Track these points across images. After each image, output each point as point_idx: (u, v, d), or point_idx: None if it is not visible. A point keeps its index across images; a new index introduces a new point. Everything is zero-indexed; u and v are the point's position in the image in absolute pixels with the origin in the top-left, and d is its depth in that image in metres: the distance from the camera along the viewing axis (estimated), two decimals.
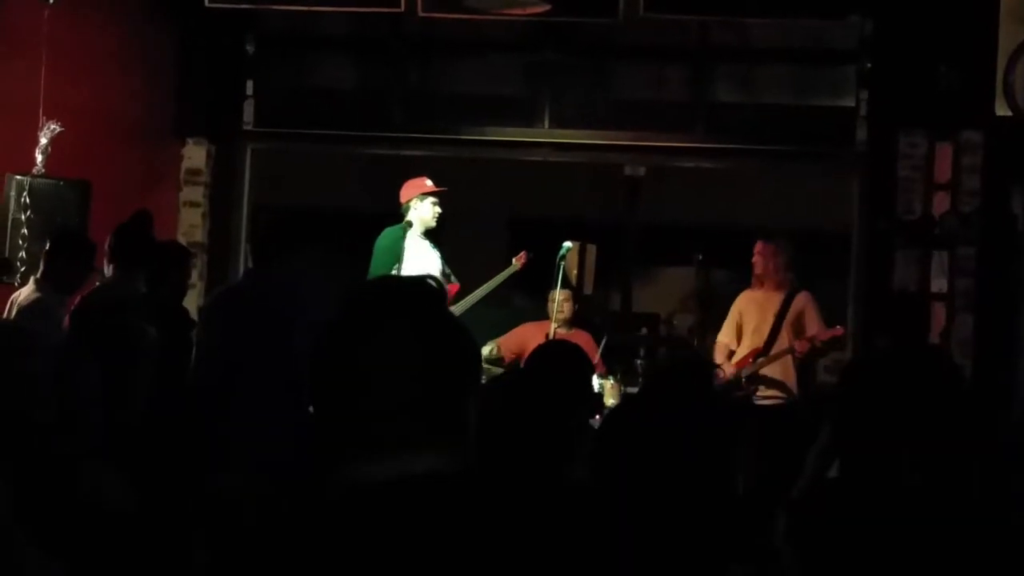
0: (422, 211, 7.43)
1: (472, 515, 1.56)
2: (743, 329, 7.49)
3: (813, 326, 7.30)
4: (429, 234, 7.53)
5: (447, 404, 1.61)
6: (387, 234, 7.42)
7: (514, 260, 7.86)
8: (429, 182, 7.50)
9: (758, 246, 7.44)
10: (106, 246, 5.77)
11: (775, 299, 7.36)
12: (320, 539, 1.52)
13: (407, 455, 1.57)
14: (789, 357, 7.26)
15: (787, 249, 7.40)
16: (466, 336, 1.65)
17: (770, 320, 7.33)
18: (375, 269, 7.29)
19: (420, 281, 1.69)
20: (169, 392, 3.88)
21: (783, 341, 7.28)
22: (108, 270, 5.78)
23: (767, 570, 2.96)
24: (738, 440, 3.12)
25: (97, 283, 5.83)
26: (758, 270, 7.44)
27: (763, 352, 7.31)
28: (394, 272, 7.01)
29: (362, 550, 1.50)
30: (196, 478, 3.92)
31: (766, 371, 7.30)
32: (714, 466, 3.04)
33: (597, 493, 2.71)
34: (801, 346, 7.22)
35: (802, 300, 7.33)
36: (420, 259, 7.32)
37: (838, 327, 7.31)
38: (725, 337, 7.58)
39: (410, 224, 7.35)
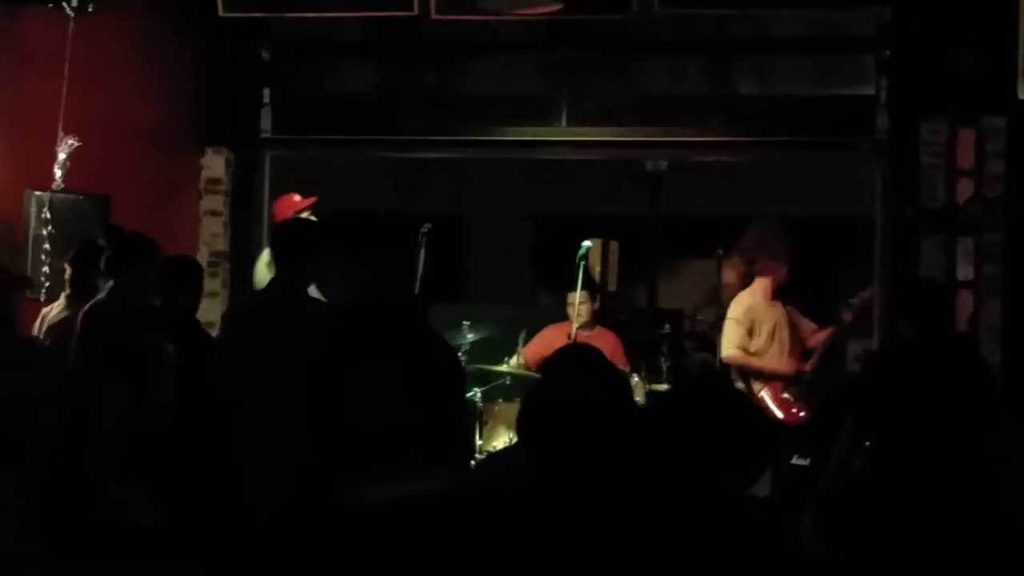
0: None
1: (474, 535, 1.54)
2: (767, 340, 7.40)
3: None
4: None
5: (439, 424, 1.59)
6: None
7: None
8: (298, 197, 7.48)
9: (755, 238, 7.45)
10: (103, 261, 5.69)
11: (779, 306, 7.35)
12: (322, 561, 1.50)
13: (403, 479, 1.55)
14: None
15: (778, 230, 7.42)
16: (452, 353, 1.64)
17: (789, 334, 7.35)
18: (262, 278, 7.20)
19: (405, 303, 1.69)
20: (187, 406, 3.86)
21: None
22: (105, 283, 5.67)
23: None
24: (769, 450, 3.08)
25: (98, 296, 5.71)
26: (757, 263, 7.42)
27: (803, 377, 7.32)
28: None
29: (364, 571, 1.49)
30: (216, 492, 3.91)
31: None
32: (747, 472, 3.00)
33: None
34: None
35: (789, 309, 7.37)
36: None
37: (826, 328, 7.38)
38: (740, 349, 7.42)
39: None
